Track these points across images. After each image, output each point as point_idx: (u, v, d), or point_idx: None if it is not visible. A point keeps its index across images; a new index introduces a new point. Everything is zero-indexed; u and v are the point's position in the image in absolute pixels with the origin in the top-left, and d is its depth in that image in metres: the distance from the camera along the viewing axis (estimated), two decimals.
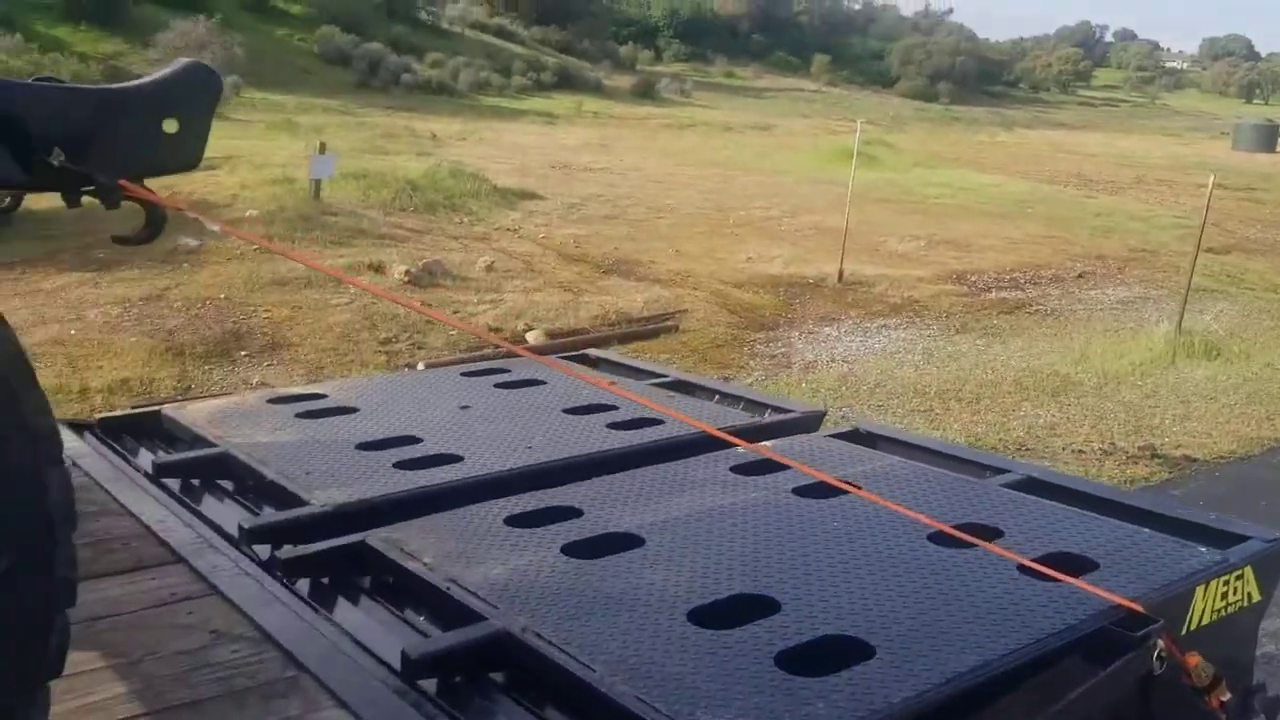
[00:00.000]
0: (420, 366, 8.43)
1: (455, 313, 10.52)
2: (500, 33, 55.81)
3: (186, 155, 2.18)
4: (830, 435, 3.95)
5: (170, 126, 2.13)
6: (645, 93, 49.47)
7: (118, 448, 3.73)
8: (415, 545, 2.81)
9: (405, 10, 51.23)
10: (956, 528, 2.81)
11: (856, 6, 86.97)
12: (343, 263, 11.65)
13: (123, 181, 2.06)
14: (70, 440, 3.69)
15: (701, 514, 3.00)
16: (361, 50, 41.37)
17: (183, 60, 2.21)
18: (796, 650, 2.31)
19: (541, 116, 37.76)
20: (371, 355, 9.21)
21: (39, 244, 11.58)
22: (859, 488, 3.16)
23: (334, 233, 13.39)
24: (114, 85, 2.14)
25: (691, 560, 2.71)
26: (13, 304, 9.91)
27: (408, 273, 11.43)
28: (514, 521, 2.96)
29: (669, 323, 11.14)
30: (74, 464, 3.49)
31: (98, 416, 4.05)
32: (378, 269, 11.67)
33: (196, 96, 2.18)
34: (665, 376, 4.64)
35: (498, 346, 7.90)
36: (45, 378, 7.97)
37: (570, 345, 8.89)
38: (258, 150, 20.10)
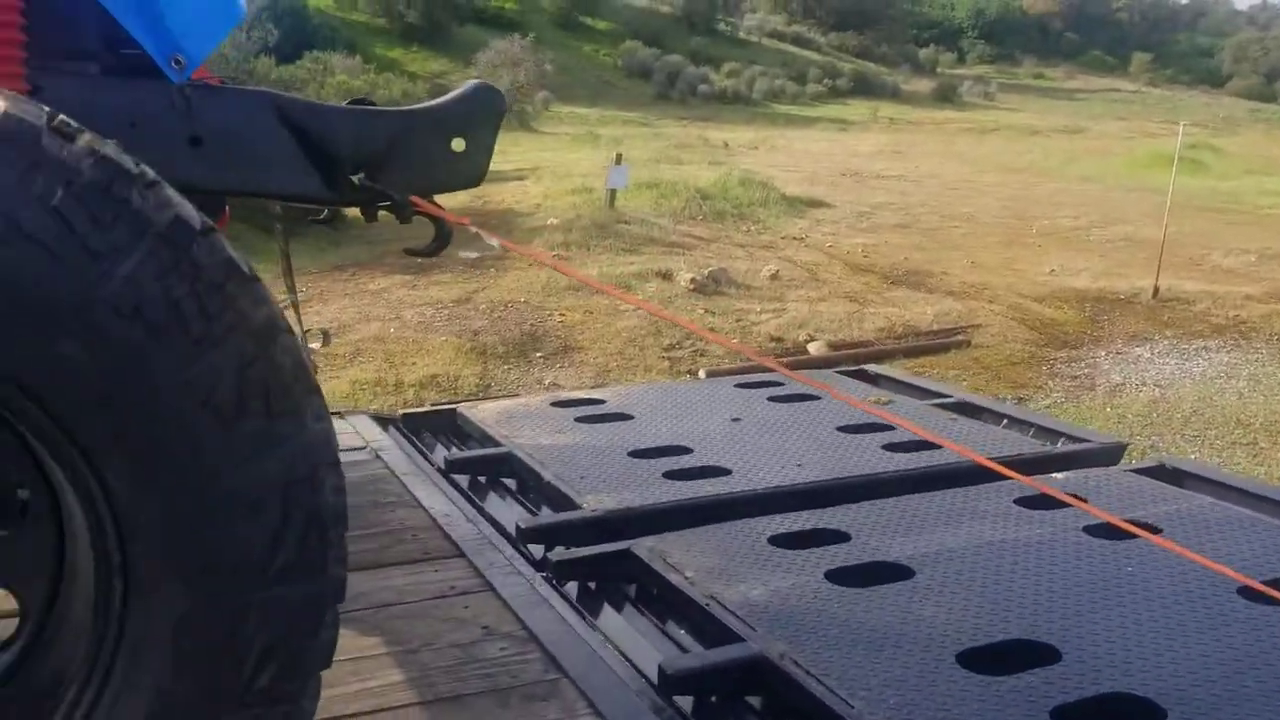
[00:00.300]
0: (701, 375, 8.52)
1: (738, 321, 10.56)
2: (797, 40, 55.75)
3: (472, 172, 2.28)
4: (1131, 470, 3.62)
5: (458, 145, 2.24)
6: (945, 96, 47.87)
7: (416, 442, 3.99)
8: (679, 557, 2.81)
9: (705, 22, 52.24)
10: (1272, 584, 2.48)
11: (1183, 1, 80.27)
12: (632, 270, 12.00)
13: (414, 198, 2.19)
14: (376, 433, 3.99)
15: (979, 548, 2.82)
16: (662, 63, 42.58)
17: (471, 82, 2.32)
18: (1076, 706, 2.12)
19: (835, 123, 37.38)
20: (655, 361, 9.41)
21: (367, 249, 12.69)
22: (1159, 531, 2.87)
23: (626, 240, 13.82)
24: (407, 108, 2.27)
25: (965, 598, 2.55)
26: (343, 303, 10.90)
27: (693, 280, 11.61)
28: (778, 541, 2.90)
29: (960, 337, 10.66)
30: (377, 456, 3.77)
31: (400, 412, 4.36)
32: (665, 276, 11.93)
33: (483, 116, 2.28)
34: (949, 396, 4.43)
35: (747, 360, 7.84)
36: (366, 371, 8.71)
37: (852, 358, 8.70)
38: (562, 161, 21.12)
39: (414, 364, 8.97)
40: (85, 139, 1.30)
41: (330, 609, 1.48)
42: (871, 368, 4.98)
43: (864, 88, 47.40)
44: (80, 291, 1.25)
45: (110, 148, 1.33)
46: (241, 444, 1.36)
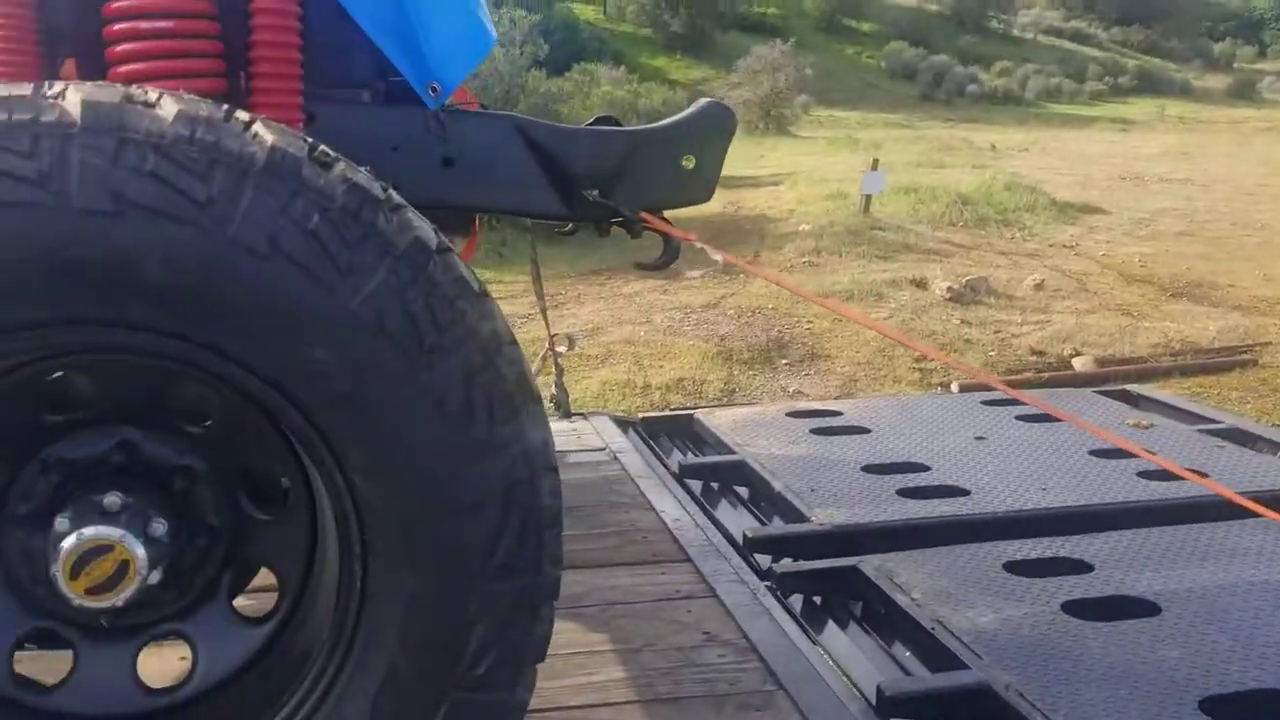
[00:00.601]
0: (954, 389, 8.24)
1: (996, 333, 10.12)
2: (1075, 36, 52.72)
3: (702, 189, 2.33)
4: None
5: (688, 163, 2.29)
6: (1242, 93, 43.88)
7: (654, 446, 4.10)
8: (906, 577, 2.76)
9: (975, 20, 50.36)
10: None
11: None
12: (884, 277, 11.75)
13: (644, 214, 2.26)
14: (615, 436, 4.13)
15: (1235, 588, 2.60)
16: (927, 63, 41.38)
17: (702, 101, 2.37)
18: None
19: (1115, 123, 35.06)
20: (905, 372, 9.18)
21: (622, 253, 13.08)
22: None
23: (880, 247, 13.55)
24: (639, 128, 2.35)
25: (1215, 641, 2.36)
26: (597, 306, 11.30)
27: (949, 289, 11.23)
28: (1014, 568, 2.79)
29: (1245, 356, 9.77)
30: (615, 457, 3.90)
31: (640, 416, 4.49)
32: (920, 284, 11.61)
33: (713, 135, 2.33)
34: (1218, 422, 4.09)
35: (1003, 375, 7.47)
36: (617, 373, 8.98)
37: (1122, 375, 8.16)
38: (818, 166, 20.93)
39: (662, 367, 9.17)
40: (340, 168, 1.44)
41: (545, 606, 1.57)
42: (1134, 388, 4.66)
43: (1149, 85, 44.20)
44: (331, 305, 1.39)
45: (361, 175, 1.46)
46: (467, 447, 1.46)
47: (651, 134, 2.31)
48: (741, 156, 21.60)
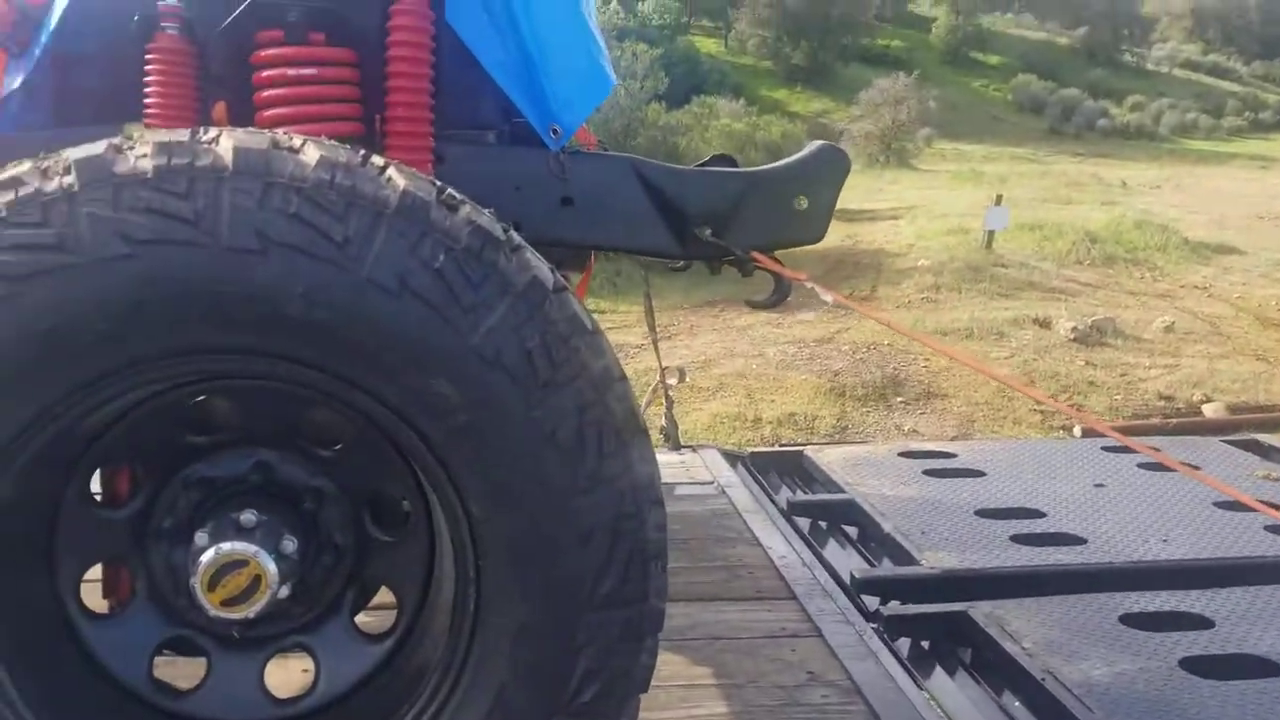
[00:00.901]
0: (1076, 433, 8.02)
1: (1122, 376, 9.81)
2: (1214, 70, 50.92)
3: (813, 230, 2.36)
4: None
5: (801, 204, 2.32)
6: None
7: (762, 481, 4.11)
8: (1017, 626, 2.71)
9: (1107, 53, 49.10)
10: None
11: None
12: (1006, 315, 11.50)
13: (755, 253, 2.30)
14: (724, 470, 4.15)
15: None
16: (1057, 96, 40.51)
17: (815, 143, 2.40)
18: None
19: (1253, 160, 33.66)
20: (1025, 414, 8.96)
21: (737, 285, 13.10)
22: None
23: (1001, 284, 13.27)
24: (754, 169, 2.39)
25: None
26: (710, 338, 11.34)
27: (1074, 329, 10.93)
28: (1130, 621, 2.72)
29: None
30: (723, 491, 3.93)
31: (749, 450, 4.50)
32: (1043, 324, 11.33)
33: (826, 176, 2.36)
34: None
35: (1132, 419, 7.21)
36: (728, 405, 8.99)
37: (1256, 424, 7.81)
38: (939, 200, 20.63)
39: (773, 400, 9.14)
40: (465, 210, 1.52)
41: (649, 638, 1.60)
42: (1264, 438, 4.48)
43: None
44: (454, 340, 1.46)
45: (485, 217, 1.54)
46: (578, 479, 1.52)
47: (765, 175, 2.35)
48: (861, 190, 21.44)
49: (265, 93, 2.03)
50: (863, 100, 32.16)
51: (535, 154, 2.26)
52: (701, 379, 9.41)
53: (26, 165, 1.42)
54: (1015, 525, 3.39)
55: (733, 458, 4.32)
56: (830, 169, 2.36)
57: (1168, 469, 3.84)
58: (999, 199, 15.20)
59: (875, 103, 31.34)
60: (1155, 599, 2.83)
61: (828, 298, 2.29)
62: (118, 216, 1.37)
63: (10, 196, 1.38)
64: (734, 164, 2.57)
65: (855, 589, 3.09)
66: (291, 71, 2.02)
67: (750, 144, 20.94)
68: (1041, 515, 3.48)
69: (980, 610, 2.81)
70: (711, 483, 3.97)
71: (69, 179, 1.39)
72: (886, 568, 3.27)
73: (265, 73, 2.03)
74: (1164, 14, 54.01)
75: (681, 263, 2.76)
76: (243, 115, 2.04)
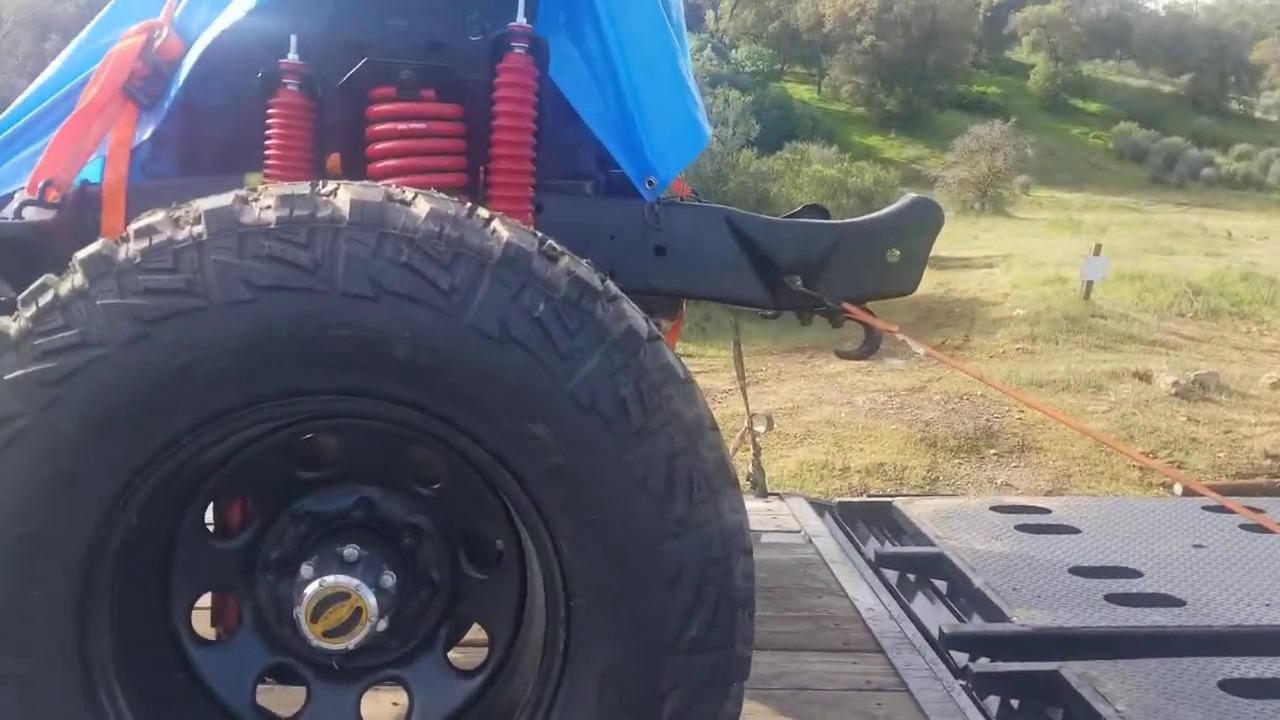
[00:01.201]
0: (1177, 490, 7.77)
1: (1226, 433, 9.49)
2: None
3: (905, 282, 2.37)
4: None
5: (893, 256, 2.34)
6: None
7: (850, 532, 4.08)
8: (1111, 688, 2.65)
9: (1213, 101, 47.95)
10: None
11: None
12: (1105, 368, 11.24)
13: (846, 304, 2.32)
14: (811, 519, 4.13)
15: None
16: (1159, 145, 39.66)
17: (909, 196, 2.42)
18: None
19: None
20: (1124, 470, 8.72)
21: (826, 332, 13.03)
22: None
23: (1100, 336, 12.99)
24: (846, 221, 2.42)
25: None
26: (798, 384, 11.30)
27: (1175, 383, 10.63)
28: (1230, 687, 2.63)
29: None
30: (810, 541, 3.91)
31: (836, 500, 4.47)
32: (1143, 377, 11.04)
33: (919, 229, 2.37)
34: None
35: (1234, 479, 6.94)
36: (815, 453, 8.93)
37: None
38: (1035, 249, 20.31)
39: (861, 450, 9.05)
40: (565, 261, 1.58)
41: (735, 684, 1.62)
42: None
43: None
44: (551, 386, 1.52)
45: (583, 268, 1.60)
46: (667, 524, 1.55)
47: (857, 228, 2.38)
48: (955, 237, 21.23)
49: (377, 145, 2.13)
50: (958, 147, 31.91)
51: (630, 204, 2.31)
52: (789, 426, 9.37)
53: (160, 214, 1.53)
54: (1110, 584, 3.31)
55: (820, 507, 4.30)
56: (924, 221, 2.38)
57: (1271, 532, 3.72)
58: (1098, 248, 14.91)
59: (971, 149, 31.07)
60: (1256, 665, 2.74)
61: (919, 350, 2.30)
62: (242, 264, 1.46)
63: (145, 244, 1.48)
64: (826, 214, 2.60)
65: (944, 644, 3.05)
66: (402, 125, 2.12)
67: (842, 190, 20.91)
68: (1138, 575, 3.39)
69: (1073, 670, 2.75)
70: (798, 531, 3.96)
71: (199, 228, 1.48)
72: (976, 623, 3.22)
73: (378, 126, 2.13)
74: (1273, 60, 52.53)
75: (771, 311, 2.79)
76: (355, 166, 2.15)
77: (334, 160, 2.23)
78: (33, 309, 1.47)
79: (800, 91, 43.06)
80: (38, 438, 1.44)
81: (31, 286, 1.51)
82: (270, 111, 2.15)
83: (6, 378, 1.44)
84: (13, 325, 1.48)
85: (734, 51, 42.12)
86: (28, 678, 1.52)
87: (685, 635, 1.57)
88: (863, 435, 9.41)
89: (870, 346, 2.48)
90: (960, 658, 2.99)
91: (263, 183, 2.10)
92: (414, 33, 2.30)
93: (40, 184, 2.08)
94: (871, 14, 40.47)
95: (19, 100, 2.41)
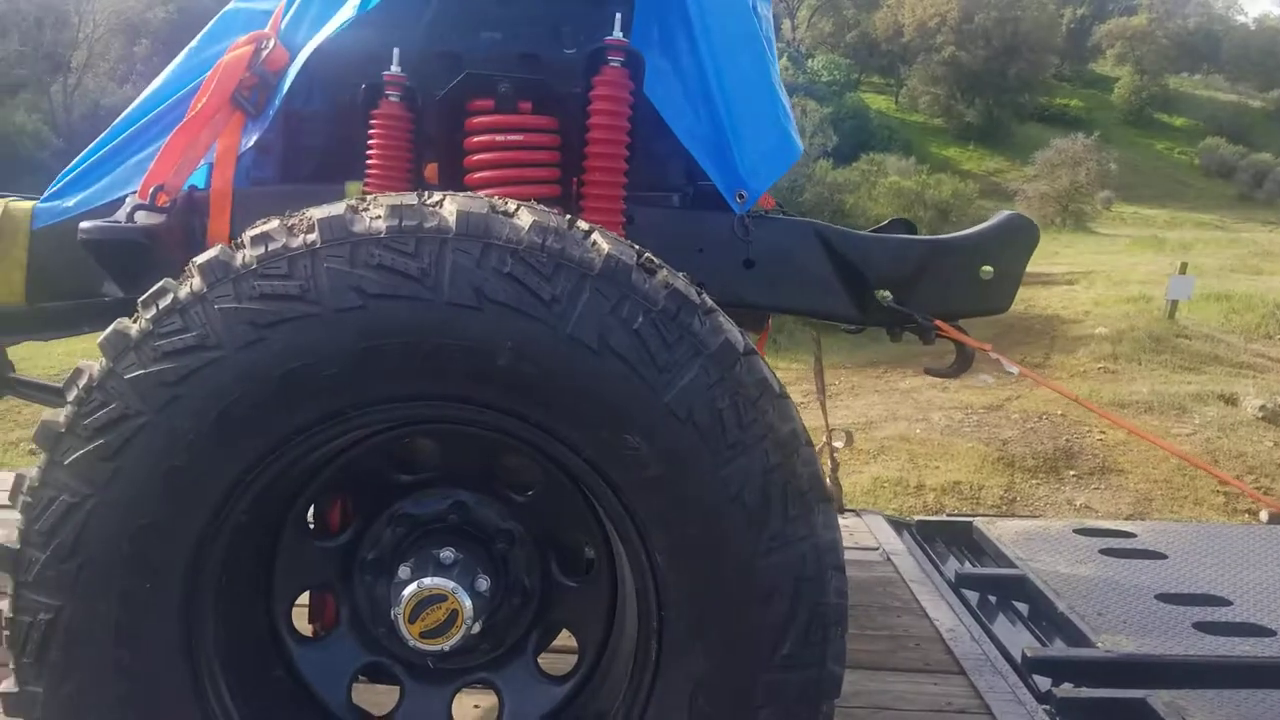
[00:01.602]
0: (1263, 517, 7.54)
1: None
2: None
3: (999, 299, 2.34)
4: None
5: (986, 273, 2.31)
6: None
7: (929, 551, 4.03)
8: (1201, 718, 2.58)
9: None
10: None
11: None
12: (1189, 390, 10.96)
13: (938, 321, 2.30)
14: (889, 536, 4.09)
15: None
16: (1247, 161, 38.55)
17: (1004, 213, 2.39)
18: None
19: None
20: (1208, 495, 8.49)
21: (900, 347, 12.90)
22: None
23: (1184, 357, 12.67)
24: (939, 237, 2.40)
25: None
26: (871, 399, 11.19)
27: (1263, 407, 10.32)
28: None
29: None
30: (888, 559, 3.87)
31: (915, 519, 4.42)
32: (1229, 400, 10.74)
33: (1014, 247, 2.34)
34: None
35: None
36: (889, 470, 8.84)
37: None
38: (1118, 266, 19.88)
39: (937, 467, 8.94)
40: (663, 274, 1.59)
41: (826, 702, 1.62)
42: None
43: None
44: (648, 397, 1.53)
45: (680, 281, 1.61)
46: (761, 539, 1.56)
47: (949, 243, 2.35)
48: (1035, 252, 20.81)
49: (474, 156, 2.17)
50: (1039, 160, 31.36)
51: (720, 217, 2.32)
52: (863, 441, 9.28)
53: (274, 222, 1.57)
54: (1198, 612, 3.23)
55: (898, 525, 4.25)
56: (1018, 239, 2.35)
57: None
58: (1183, 267, 14.55)
59: (1052, 163, 30.52)
60: None
61: (1012, 369, 2.27)
62: (353, 271, 1.50)
63: (261, 250, 1.53)
64: (913, 229, 2.58)
65: (1026, 668, 2.99)
66: (500, 137, 2.16)
67: (919, 202, 20.70)
68: (1227, 603, 3.30)
69: (1161, 699, 2.68)
70: (877, 549, 3.93)
71: (312, 236, 1.53)
72: (1060, 648, 3.16)
73: (476, 138, 2.17)
74: None
75: (856, 327, 2.77)
76: (451, 176, 2.18)
77: (431, 170, 2.27)
78: (153, 311, 1.52)
79: (877, 102, 42.66)
80: (156, 435, 1.49)
81: (151, 290, 1.56)
82: (372, 122, 2.20)
83: (127, 377, 1.50)
84: (133, 326, 1.53)
85: (810, 61, 41.89)
86: (139, 668, 1.57)
87: (778, 652, 1.57)
88: (938, 453, 9.29)
89: (962, 364, 2.45)
90: (1043, 682, 2.93)
91: (363, 191, 2.15)
92: (508, 45, 2.33)
93: (152, 189, 2.15)
94: (952, 24, 39.91)
95: (131, 107, 2.49)
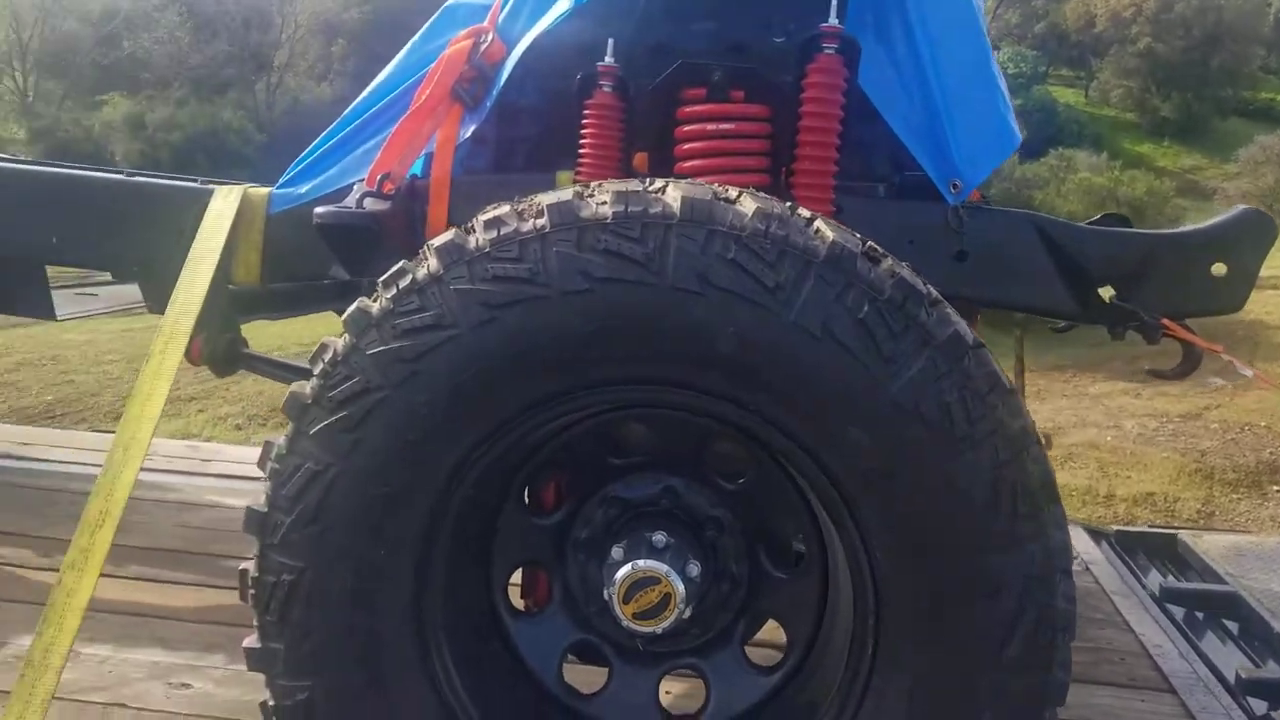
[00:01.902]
0: None
1: None
2: None
3: (1231, 299, 2.21)
4: None
5: (1218, 270, 2.18)
6: None
7: (1130, 562, 3.84)
8: None
9: None
10: None
11: None
12: None
13: (1165, 320, 2.18)
14: (1087, 545, 3.93)
15: None
16: None
17: (1240, 207, 2.25)
18: None
19: None
20: None
21: (1089, 350, 12.32)
22: None
23: None
24: (1165, 231, 2.27)
25: None
26: (1059, 404, 10.73)
27: None
28: None
29: None
30: (1087, 569, 3.71)
31: (1114, 529, 4.22)
32: None
33: (1250, 243, 2.20)
34: None
35: None
36: (1077, 478, 8.46)
37: None
38: None
39: (1129, 477, 8.51)
40: (888, 263, 1.56)
41: (1049, 709, 1.56)
42: None
43: None
44: (873, 388, 1.50)
45: (906, 270, 1.57)
46: (989, 536, 1.51)
47: (1175, 238, 2.23)
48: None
49: (686, 145, 2.18)
50: (1242, 157, 29.50)
51: (932, 208, 2.26)
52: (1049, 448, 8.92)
53: (505, 207, 1.62)
54: None
55: (1096, 534, 4.08)
56: (1255, 235, 2.20)
57: None
58: None
59: (1256, 160, 28.68)
60: None
61: (1247, 372, 2.14)
62: (581, 255, 1.53)
63: (494, 234, 1.57)
64: (1128, 224, 2.46)
65: (1240, 690, 2.82)
66: (712, 126, 2.16)
67: (1111, 200, 19.73)
68: None
69: None
70: (1075, 558, 3.76)
71: (542, 220, 1.56)
72: (1275, 670, 2.97)
73: (688, 127, 2.17)
74: None
75: (1063, 324, 2.66)
76: (661, 165, 2.20)
77: (640, 159, 2.30)
78: (393, 291, 1.59)
79: (1066, 95, 40.84)
80: (394, 409, 1.56)
81: (390, 270, 1.63)
82: (586, 112, 2.23)
83: (370, 352, 1.57)
84: (374, 305, 1.60)
85: (997, 53, 40.47)
86: (373, 630, 1.65)
87: (1004, 653, 1.52)
88: (1130, 462, 8.85)
89: (1189, 366, 2.32)
90: (1259, 705, 2.76)
91: (575, 180, 2.19)
92: (719, 34, 2.33)
93: (379, 176, 2.24)
94: (1148, 14, 37.80)
95: (359, 99, 2.62)
